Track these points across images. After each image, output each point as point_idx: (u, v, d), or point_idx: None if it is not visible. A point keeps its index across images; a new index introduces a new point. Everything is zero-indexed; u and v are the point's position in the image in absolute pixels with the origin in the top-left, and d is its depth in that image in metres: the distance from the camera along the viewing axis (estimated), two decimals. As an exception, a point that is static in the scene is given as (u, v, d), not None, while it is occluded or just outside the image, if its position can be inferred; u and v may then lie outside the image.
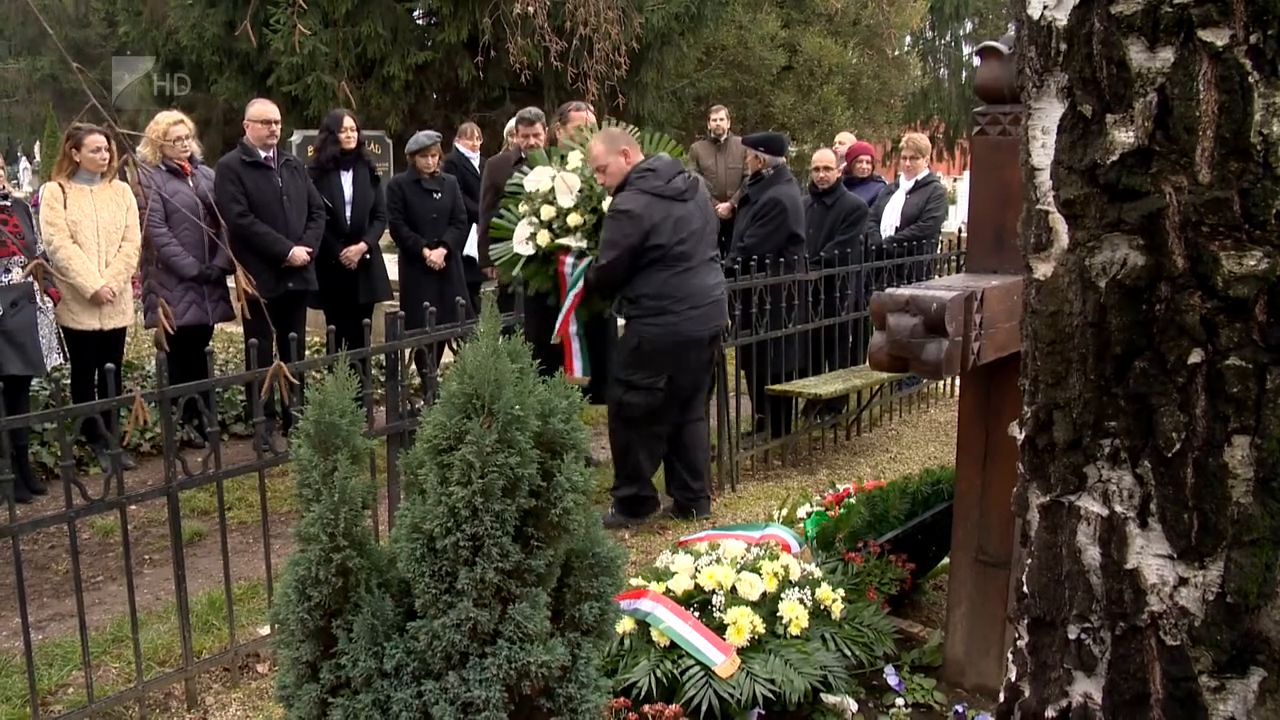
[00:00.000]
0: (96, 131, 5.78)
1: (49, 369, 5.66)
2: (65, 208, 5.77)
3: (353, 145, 7.01)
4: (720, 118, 10.14)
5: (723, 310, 5.36)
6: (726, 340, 5.87)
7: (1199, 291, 1.48)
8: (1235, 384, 1.48)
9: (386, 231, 7.44)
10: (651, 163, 5.16)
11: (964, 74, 25.96)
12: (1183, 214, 1.47)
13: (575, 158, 5.60)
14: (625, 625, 3.36)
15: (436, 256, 7.32)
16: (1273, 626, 1.53)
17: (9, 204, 5.72)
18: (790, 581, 3.54)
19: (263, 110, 6.55)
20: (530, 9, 9.56)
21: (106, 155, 5.86)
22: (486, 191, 7.19)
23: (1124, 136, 1.50)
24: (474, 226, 8.00)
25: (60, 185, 5.84)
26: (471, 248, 8.11)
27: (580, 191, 5.41)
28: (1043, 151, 1.61)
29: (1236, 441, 1.50)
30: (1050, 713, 1.73)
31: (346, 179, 7.01)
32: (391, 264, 7.84)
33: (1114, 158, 1.51)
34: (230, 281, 6.64)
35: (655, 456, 5.43)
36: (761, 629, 3.35)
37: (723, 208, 8.66)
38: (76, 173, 5.89)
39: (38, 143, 24.84)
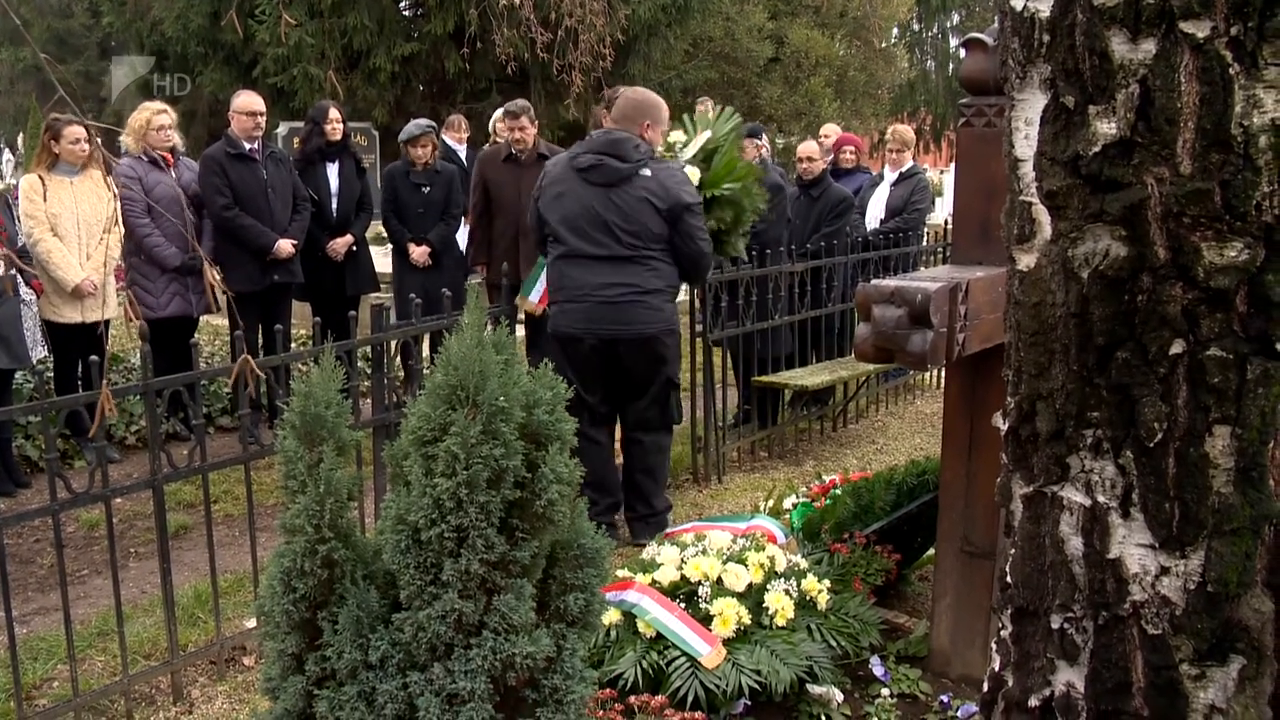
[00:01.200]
0: (75, 123, 5.75)
1: (33, 362, 5.64)
2: (45, 200, 5.74)
3: (338, 137, 6.99)
4: (705, 109, 10.15)
5: (610, 314, 4.73)
6: (712, 332, 5.87)
7: (1180, 282, 1.49)
8: (1216, 374, 1.49)
9: (375, 223, 7.42)
10: (596, 131, 4.96)
11: (951, 66, 25.94)
12: (1164, 205, 1.48)
13: (692, 147, 5.41)
14: (611, 616, 3.36)
15: (419, 254, 7.22)
16: (1252, 615, 1.54)
17: (-9, 196, 5.69)
18: (776, 573, 3.54)
19: (247, 102, 6.53)
20: (516, 0, 9.52)
21: (86, 147, 5.82)
22: (476, 186, 7.09)
23: (1106, 128, 1.50)
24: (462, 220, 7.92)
25: (40, 177, 5.81)
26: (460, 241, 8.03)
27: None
28: (1026, 143, 1.62)
29: (1217, 431, 1.51)
30: (1033, 702, 1.73)
31: (332, 170, 6.99)
32: (377, 256, 7.81)
33: (1096, 149, 1.51)
34: (216, 273, 6.62)
35: (592, 473, 4.49)
36: (747, 620, 3.35)
37: None
38: (56, 164, 5.85)
39: (20, 134, 24.67)
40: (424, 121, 7.50)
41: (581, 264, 4.75)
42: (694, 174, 5.04)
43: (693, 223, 4.80)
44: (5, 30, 25.75)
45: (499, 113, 7.23)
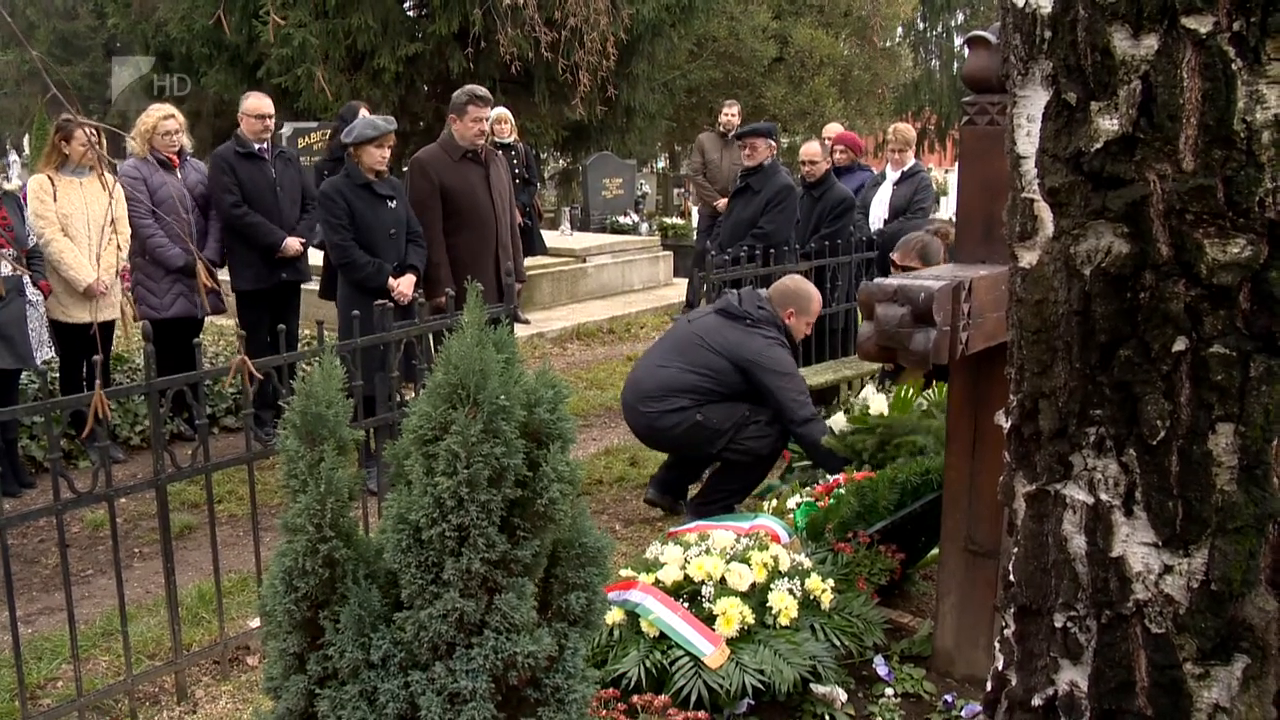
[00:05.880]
0: (86, 124, 5.74)
1: (39, 362, 5.64)
2: (55, 200, 5.75)
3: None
4: (732, 113, 10.07)
5: (634, 411, 5.03)
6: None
7: (1183, 279, 1.48)
8: (1219, 372, 1.49)
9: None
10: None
11: (956, 65, 25.91)
12: (1167, 202, 1.47)
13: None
14: (615, 616, 3.36)
15: (406, 287, 5.69)
16: (1256, 614, 1.53)
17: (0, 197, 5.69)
18: (779, 572, 3.54)
19: (256, 105, 6.55)
20: (519, 0, 9.53)
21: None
22: (423, 196, 5.99)
23: (1108, 124, 1.50)
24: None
25: (49, 178, 5.81)
26: None
27: None
28: (1028, 139, 1.61)
29: (1220, 429, 1.51)
30: (1037, 701, 1.73)
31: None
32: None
33: (1098, 145, 1.51)
34: (222, 274, 6.64)
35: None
36: (751, 619, 3.35)
37: (721, 204, 8.80)
38: (64, 165, 5.86)
39: (27, 136, 24.73)
40: (379, 121, 5.86)
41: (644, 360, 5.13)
42: (877, 400, 4.79)
43: (767, 381, 4.84)
44: (11, 32, 25.79)
45: (462, 99, 5.96)
